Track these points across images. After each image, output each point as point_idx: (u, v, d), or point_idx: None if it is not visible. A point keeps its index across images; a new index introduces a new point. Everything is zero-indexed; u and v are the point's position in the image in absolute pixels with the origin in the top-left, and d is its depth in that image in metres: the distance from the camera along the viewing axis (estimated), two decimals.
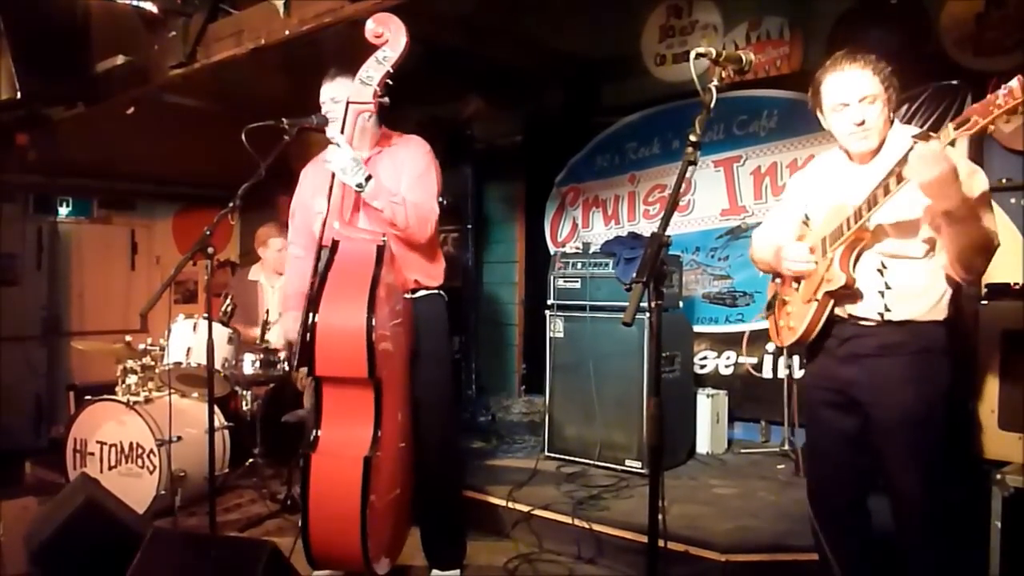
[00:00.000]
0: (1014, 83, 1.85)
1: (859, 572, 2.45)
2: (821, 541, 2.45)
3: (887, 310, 2.28)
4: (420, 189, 3.01)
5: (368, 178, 2.84)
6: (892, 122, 2.32)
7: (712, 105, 1.96)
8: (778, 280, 2.62)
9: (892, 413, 2.28)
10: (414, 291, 3.13)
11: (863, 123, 2.25)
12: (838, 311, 2.36)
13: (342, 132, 2.85)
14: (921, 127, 4.21)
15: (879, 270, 2.29)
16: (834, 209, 2.34)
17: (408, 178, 3.02)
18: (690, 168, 1.92)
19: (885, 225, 2.25)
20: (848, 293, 2.30)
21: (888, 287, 2.28)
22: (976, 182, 2.18)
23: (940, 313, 2.30)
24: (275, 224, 5.13)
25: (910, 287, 2.27)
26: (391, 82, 2.89)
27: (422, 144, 3.15)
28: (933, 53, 4.11)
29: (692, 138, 1.92)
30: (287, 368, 4.24)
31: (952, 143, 1.99)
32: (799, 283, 2.46)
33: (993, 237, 2.17)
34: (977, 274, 2.29)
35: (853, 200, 2.26)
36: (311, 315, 2.67)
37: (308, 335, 2.66)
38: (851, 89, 2.25)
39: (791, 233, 2.55)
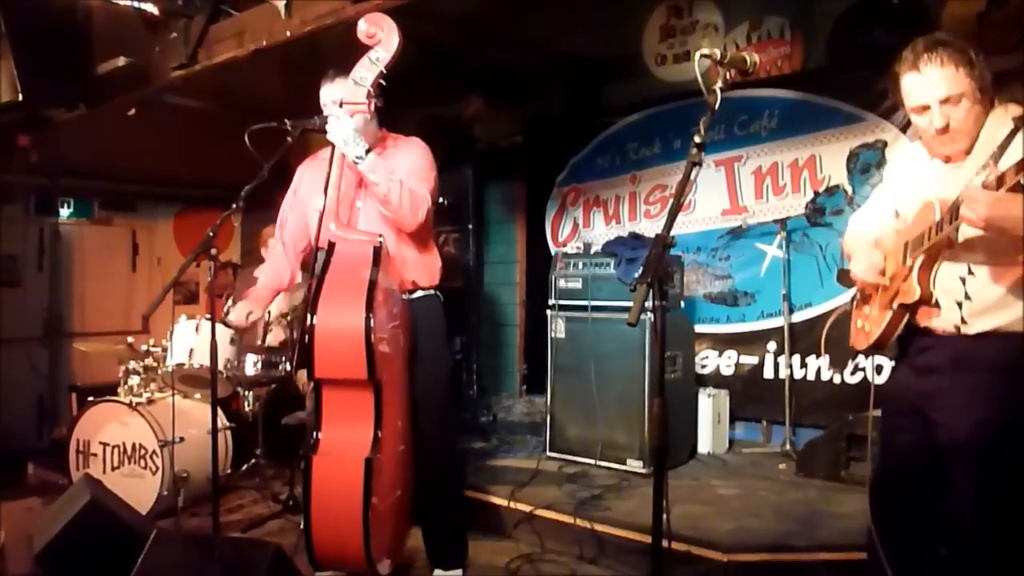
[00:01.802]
0: None
1: None
2: (876, 545, 2.32)
3: (963, 323, 2.09)
4: (416, 180, 3.00)
5: (368, 150, 2.83)
6: (993, 104, 2.09)
7: (716, 107, 1.94)
8: None
9: (959, 434, 2.10)
10: (411, 292, 3.13)
11: (946, 129, 2.05)
12: (917, 319, 2.19)
13: (331, 151, 2.85)
14: None
15: (962, 278, 2.09)
16: (923, 208, 2.13)
17: (404, 171, 3.01)
18: (695, 169, 1.90)
19: (975, 238, 2.02)
20: (926, 306, 2.14)
21: (968, 297, 2.08)
22: None
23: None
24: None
25: (991, 297, 2.06)
26: (384, 83, 2.88)
27: (422, 146, 3.16)
28: None
29: (697, 139, 1.90)
30: (288, 369, 4.24)
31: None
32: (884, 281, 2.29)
33: None
34: None
35: (945, 196, 2.05)
36: (309, 317, 2.67)
37: (307, 337, 2.65)
38: (930, 91, 2.04)
39: (879, 227, 2.35)
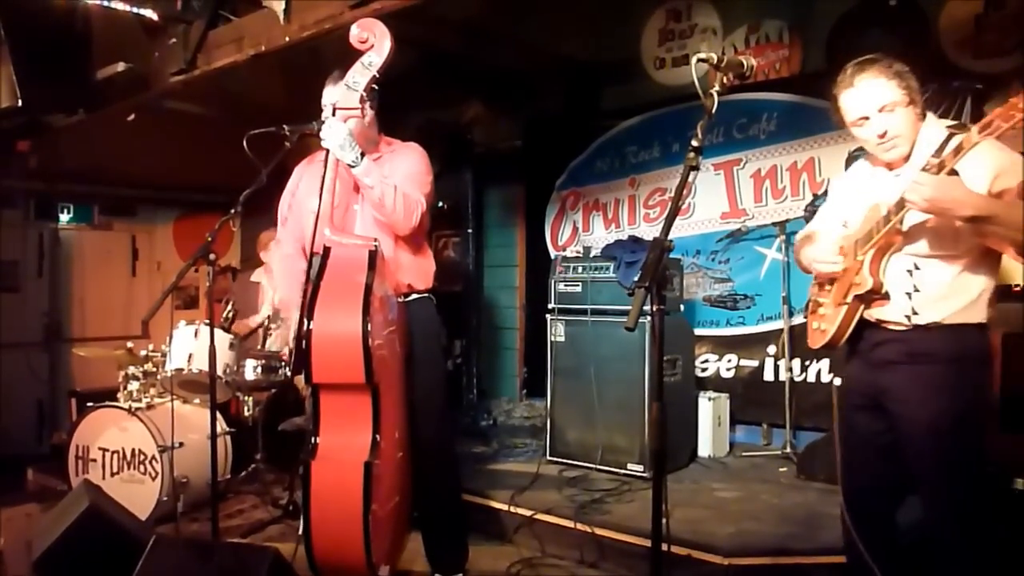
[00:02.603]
0: None
1: None
2: (856, 544, 2.38)
3: (914, 313, 2.21)
4: (411, 185, 3.01)
5: (362, 154, 2.84)
6: (924, 116, 2.25)
7: (714, 110, 1.95)
8: (815, 282, 2.55)
9: (918, 427, 2.21)
10: (406, 295, 3.13)
11: (885, 134, 2.20)
12: (868, 315, 2.30)
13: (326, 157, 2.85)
14: None
15: (909, 271, 2.22)
16: (869, 211, 2.27)
17: (400, 176, 3.02)
18: (692, 173, 1.91)
19: (919, 226, 2.17)
20: (878, 297, 2.25)
21: (916, 289, 2.20)
22: (1014, 173, 2.08)
23: (976, 315, 2.20)
24: (276, 229, 5.13)
25: (939, 288, 2.19)
26: (377, 87, 2.89)
27: (420, 151, 3.16)
28: (932, 55, 4.12)
29: (694, 143, 1.91)
30: (288, 374, 4.24)
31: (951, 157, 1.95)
32: (832, 285, 2.41)
33: None
34: None
35: (888, 199, 2.19)
36: (306, 322, 2.67)
37: (303, 343, 2.65)
38: (867, 102, 2.19)
39: (829, 233, 2.48)
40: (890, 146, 2.22)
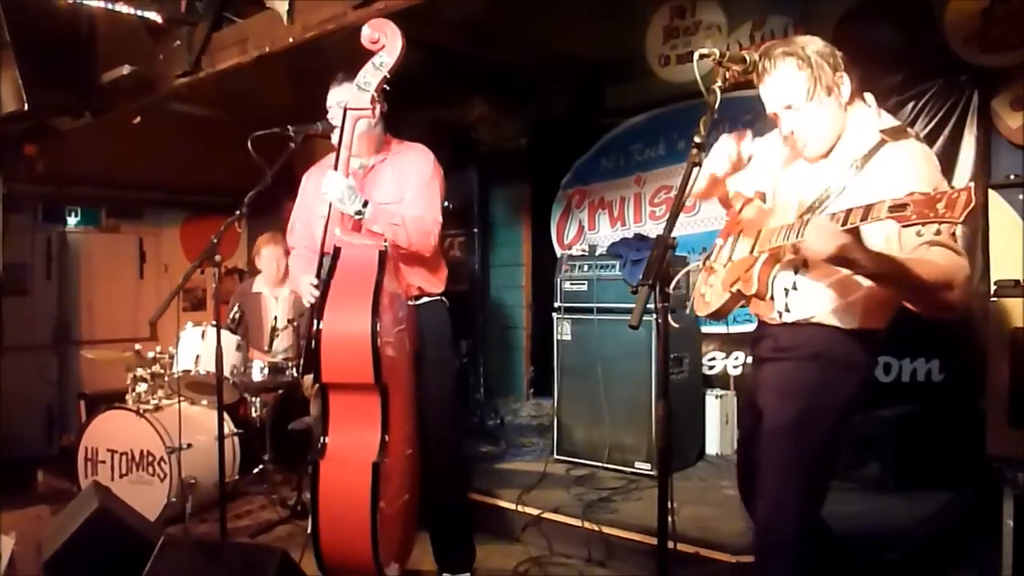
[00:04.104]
0: (961, 195, 1.58)
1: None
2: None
3: (787, 310, 2.15)
4: (423, 201, 3.02)
5: (365, 203, 2.85)
6: (850, 104, 2.07)
7: (716, 106, 1.92)
8: (719, 241, 2.40)
9: (768, 421, 2.13)
10: (417, 297, 3.13)
11: (791, 134, 2.09)
12: (750, 309, 2.28)
13: (340, 138, 2.85)
14: (927, 125, 4.21)
15: (796, 268, 2.13)
16: (782, 204, 2.16)
17: (412, 189, 3.02)
18: (695, 170, 1.89)
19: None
20: (760, 300, 2.16)
21: (795, 287, 2.12)
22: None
23: (849, 319, 2.08)
24: (271, 233, 5.13)
25: (814, 289, 2.09)
26: (388, 87, 2.90)
27: (427, 153, 3.15)
28: (938, 49, 4.09)
29: (697, 139, 1.89)
30: (296, 374, 4.25)
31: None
32: (731, 256, 2.28)
33: (951, 274, 1.85)
34: (939, 310, 1.92)
35: (803, 195, 2.08)
36: (315, 322, 2.67)
37: (313, 342, 2.66)
38: (773, 100, 2.08)
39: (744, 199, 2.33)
40: (802, 145, 2.11)
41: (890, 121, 2.11)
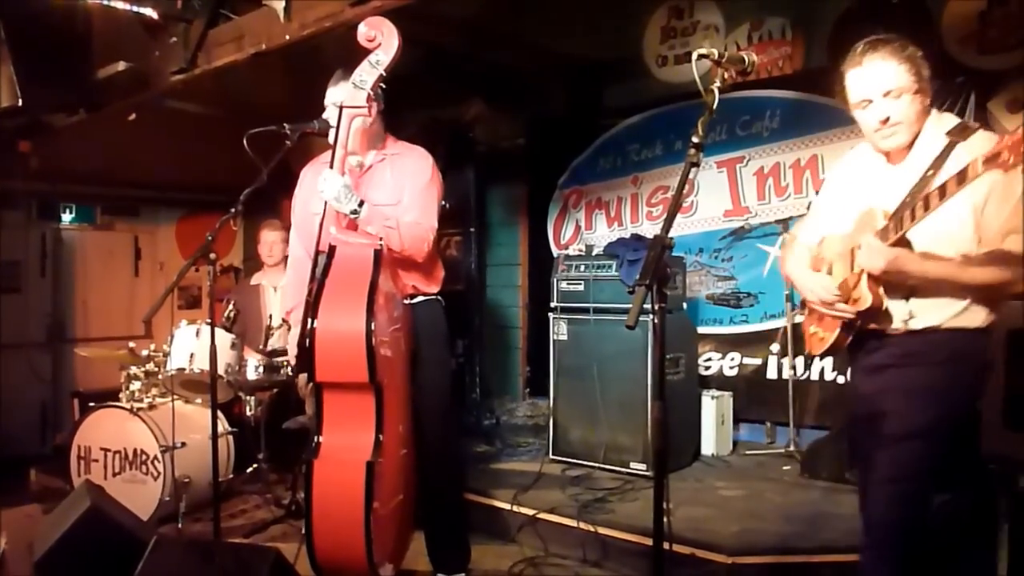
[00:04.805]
0: None
1: None
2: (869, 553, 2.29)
3: (911, 317, 2.15)
4: (419, 207, 3.01)
5: (361, 203, 2.83)
6: (930, 111, 2.17)
7: (714, 106, 1.92)
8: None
9: (901, 428, 2.15)
10: (412, 296, 3.12)
11: (887, 120, 2.12)
12: (866, 322, 2.24)
13: (336, 136, 2.84)
14: None
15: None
16: (864, 216, 2.19)
17: (409, 193, 3.01)
18: (693, 170, 1.89)
19: (918, 237, 2.09)
20: (878, 313, 2.17)
21: (915, 292, 2.13)
22: (996, 219, 2.02)
23: (973, 319, 2.13)
24: (273, 221, 5.17)
25: (935, 294, 2.12)
26: (384, 86, 2.89)
27: (426, 157, 3.14)
28: (935, 52, 4.09)
29: (695, 139, 1.89)
30: (291, 373, 4.23)
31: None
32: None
33: (1013, 279, 2.01)
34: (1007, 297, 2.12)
35: (884, 204, 2.13)
36: (310, 321, 2.66)
37: (307, 341, 2.65)
38: (872, 84, 2.11)
39: (827, 241, 2.39)
40: (890, 133, 2.14)
41: (950, 120, 2.19)
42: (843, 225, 2.32)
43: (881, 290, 2.14)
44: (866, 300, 2.15)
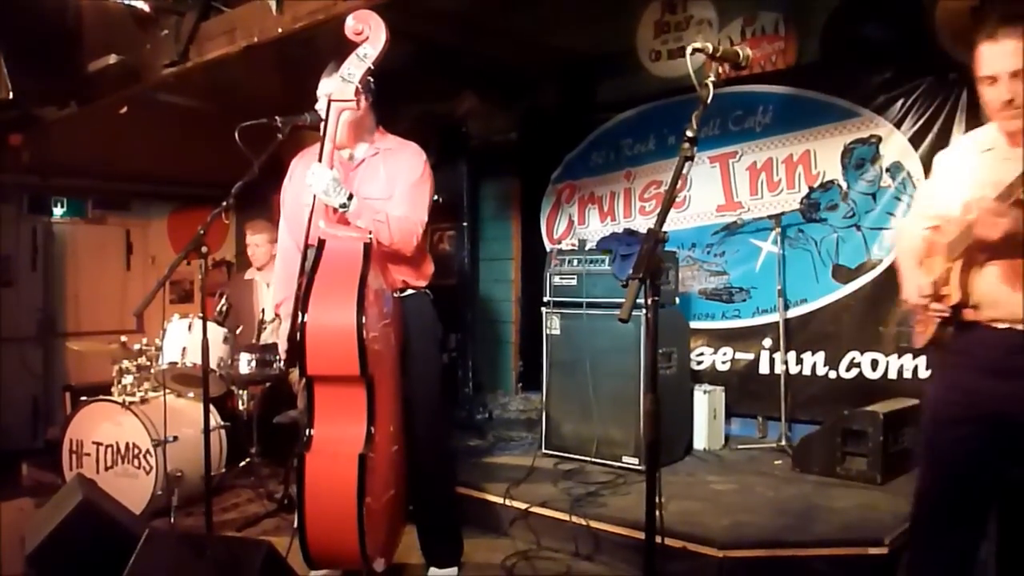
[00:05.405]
0: None
1: None
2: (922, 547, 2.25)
3: None
4: (409, 201, 3.00)
5: (350, 197, 2.82)
6: None
7: (709, 101, 1.92)
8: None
9: None
10: (402, 290, 3.12)
11: (1011, 102, 1.99)
12: (976, 316, 2.08)
13: (325, 129, 2.83)
14: (915, 122, 4.23)
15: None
16: (964, 208, 2.06)
17: (400, 188, 3.01)
18: (687, 164, 1.89)
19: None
20: (968, 309, 2.04)
21: None
22: None
23: None
24: (258, 220, 5.13)
25: None
26: (372, 79, 2.88)
27: (419, 153, 3.13)
28: (928, 47, 4.10)
29: (689, 134, 1.88)
30: (283, 367, 4.22)
31: None
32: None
33: None
34: None
35: (993, 192, 1.97)
36: (300, 315, 2.65)
37: (298, 335, 2.64)
38: (1001, 62, 1.97)
39: (923, 238, 2.25)
40: (1012, 115, 2.01)
41: None
42: (954, 211, 2.16)
43: (971, 282, 2.05)
44: (954, 295, 2.07)
